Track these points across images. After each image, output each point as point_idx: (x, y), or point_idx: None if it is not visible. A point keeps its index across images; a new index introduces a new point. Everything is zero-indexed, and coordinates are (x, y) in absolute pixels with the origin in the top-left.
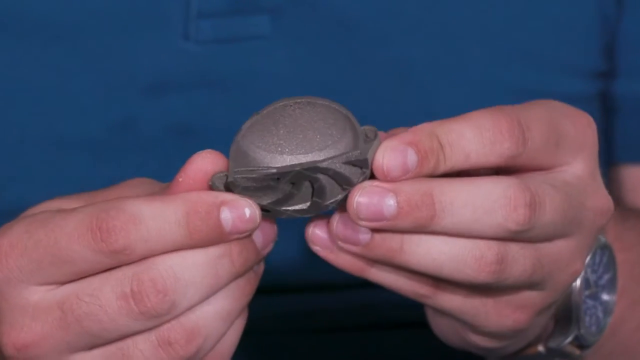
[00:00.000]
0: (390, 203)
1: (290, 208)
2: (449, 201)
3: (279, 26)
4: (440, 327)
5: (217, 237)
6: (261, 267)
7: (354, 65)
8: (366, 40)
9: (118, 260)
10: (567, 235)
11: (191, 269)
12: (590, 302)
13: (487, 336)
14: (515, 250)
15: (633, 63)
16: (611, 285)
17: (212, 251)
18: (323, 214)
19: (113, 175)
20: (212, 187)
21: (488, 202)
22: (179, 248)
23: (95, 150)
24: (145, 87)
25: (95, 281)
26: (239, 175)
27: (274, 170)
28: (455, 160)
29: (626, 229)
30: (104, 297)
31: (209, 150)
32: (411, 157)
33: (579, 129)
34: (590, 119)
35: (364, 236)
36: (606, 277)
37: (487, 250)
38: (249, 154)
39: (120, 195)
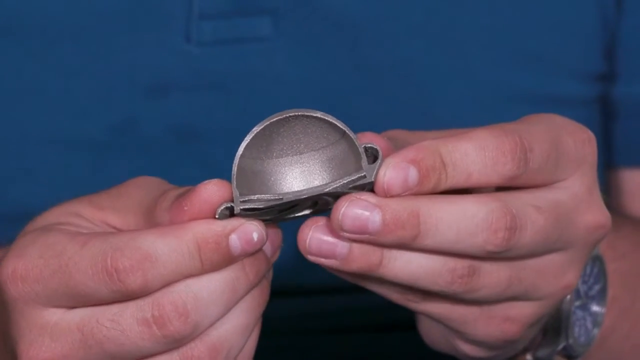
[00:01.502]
0: (375, 219)
1: (292, 215)
2: (434, 222)
3: (280, 28)
4: (429, 333)
5: (227, 262)
6: (270, 274)
7: (356, 67)
8: (368, 42)
9: (135, 296)
10: (554, 250)
11: (209, 287)
12: (579, 313)
13: (475, 345)
14: (489, 263)
15: (632, 66)
16: (601, 296)
17: (227, 269)
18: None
19: (115, 176)
20: (218, 218)
21: (471, 225)
22: (193, 275)
23: (97, 151)
24: (147, 89)
25: (114, 307)
26: (244, 207)
27: (281, 200)
28: (457, 179)
29: (619, 238)
30: (125, 323)
31: (215, 181)
32: (412, 175)
33: (578, 145)
34: (591, 135)
35: (341, 251)
36: (596, 287)
37: (460, 262)
38: (247, 170)
39: (127, 195)
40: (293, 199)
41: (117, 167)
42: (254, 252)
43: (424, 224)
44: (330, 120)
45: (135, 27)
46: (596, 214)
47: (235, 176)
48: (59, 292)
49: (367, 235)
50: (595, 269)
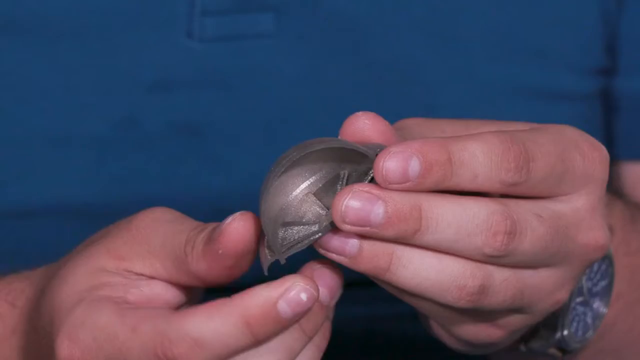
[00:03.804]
0: (378, 211)
1: None
2: (435, 218)
3: (283, 24)
4: (425, 321)
5: (281, 328)
6: (332, 311)
7: (358, 64)
8: (370, 38)
9: None
10: (552, 265)
11: (268, 355)
12: (580, 309)
13: (460, 341)
14: (498, 281)
15: (633, 60)
16: (605, 293)
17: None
18: None
19: (117, 173)
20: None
21: (471, 225)
22: (250, 349)
23: (99, 147)
24: (149, 85)
25: None
26: (287, 256)
27: (319, 235)
28: (462, 179)
29: (633, 231)
30: None
31: (237, 217)
32: (414, 166)
33: (588, 163)
34: (604, 153)
35: (351, 250)
36: (602, 284)
37: (471, 280)
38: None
39: (145, 240)
40: (328, 222)
41: (119, 164)
42: (308, 310)
43: (426, 219)
44: (310, 148)
45: (138, 23)
46: (596, 233)
47: (271, 236)
48: None
49: (368, 228)
50: (603, 265)
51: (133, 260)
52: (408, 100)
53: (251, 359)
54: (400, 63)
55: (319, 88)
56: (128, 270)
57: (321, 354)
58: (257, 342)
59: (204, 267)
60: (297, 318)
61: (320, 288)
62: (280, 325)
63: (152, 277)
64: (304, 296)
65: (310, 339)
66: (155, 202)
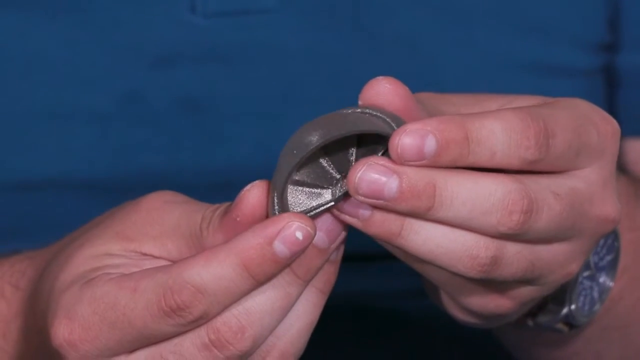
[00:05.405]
0: (392, 186)
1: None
2: (450, 196)
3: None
4: (432, 294)
5: (282, 268)
6: (340, 253)
7: (361, 38)
8: (373, 13)
9: (198, 325)
10: (564, 239)
11: (260, 299)
12: (587, 283)
13: (467, 313)
14: (511, 253)
15: (636, 36)
16: (611, 267)
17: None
18: None
19: (121, 147)
20: None
21: (487, 204)
22: (252, 290)
23: (102, 122)
24: (153, 60)
25: (174, 339)
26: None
27: (331, 204)
28: (480, 157)
29: (638, 207)
30: (187, 351)
31: (256, 184)
32: (429, 144)
33: (602, 137)
34: (616, 126)
35: (363, 212)
36: (608, 258)
37: (484, 251)
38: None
39: (157, 222)
40: (342, 193)
41: (123, 138)
42: (306, 248)
43: (439, 197)
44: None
45: None
46: (608, 206)
47: (284, 201)
48: (123, 341)
49: (381, 201)
50: (610, 240)
51: (142, 242)
52: (411, 73)
53: (243, 302)
54: (403, 36)
55: (322, 63)
56: (135, 251)
57: (325, 298)
58: (258, 283)
59: (220, 240)
60: (295, 257)
61: (317, 232)
62: (278, 265)
63: (159, 258)
64: (299, 235)
65: (305, 282)
66: (159, 177)
